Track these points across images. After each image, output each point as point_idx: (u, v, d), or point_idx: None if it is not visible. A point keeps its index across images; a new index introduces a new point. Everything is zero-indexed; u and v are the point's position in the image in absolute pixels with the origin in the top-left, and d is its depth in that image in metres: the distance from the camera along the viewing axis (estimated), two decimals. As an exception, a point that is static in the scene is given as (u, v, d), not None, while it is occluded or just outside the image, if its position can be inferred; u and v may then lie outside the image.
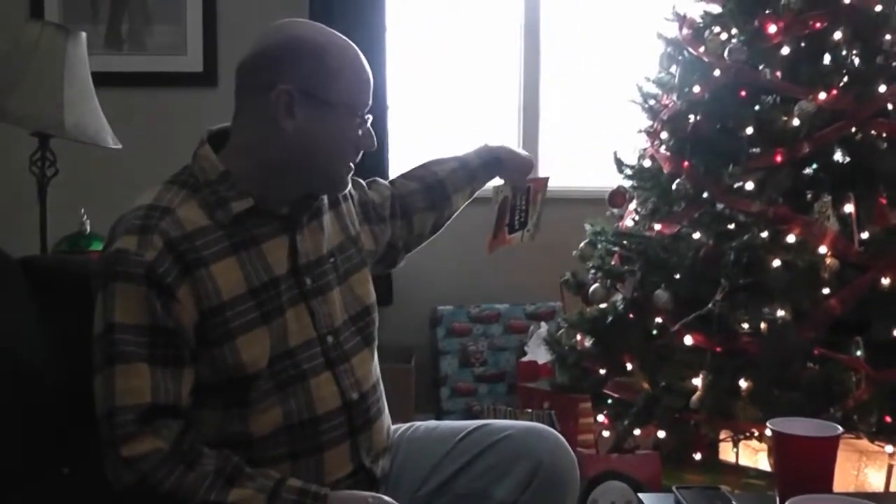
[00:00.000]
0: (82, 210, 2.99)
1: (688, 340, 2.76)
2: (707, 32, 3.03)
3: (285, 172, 1.57)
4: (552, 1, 4.07)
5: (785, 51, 2.89)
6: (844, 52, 2.88)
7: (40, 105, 2.72)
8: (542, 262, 3.28)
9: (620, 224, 3.24)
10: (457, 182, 1.96)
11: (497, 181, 2.05)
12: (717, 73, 2.95)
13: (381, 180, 1.95)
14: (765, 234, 2.74)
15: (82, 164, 3.24)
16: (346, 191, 1.75)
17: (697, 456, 2.87)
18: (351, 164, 1.63)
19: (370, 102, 1.61)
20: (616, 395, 2.98)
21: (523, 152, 2.08)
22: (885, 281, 2.69)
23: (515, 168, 2.03)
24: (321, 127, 1.55)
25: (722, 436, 2.87)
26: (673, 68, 3.15)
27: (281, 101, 1.52)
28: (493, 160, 2.01)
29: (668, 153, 3.04)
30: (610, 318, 3.00)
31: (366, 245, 1.80)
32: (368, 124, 1.61)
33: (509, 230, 2.06)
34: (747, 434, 2.77)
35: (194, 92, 3.77)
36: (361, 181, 1.89)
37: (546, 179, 2.11)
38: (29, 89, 2.71)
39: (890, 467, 2.68)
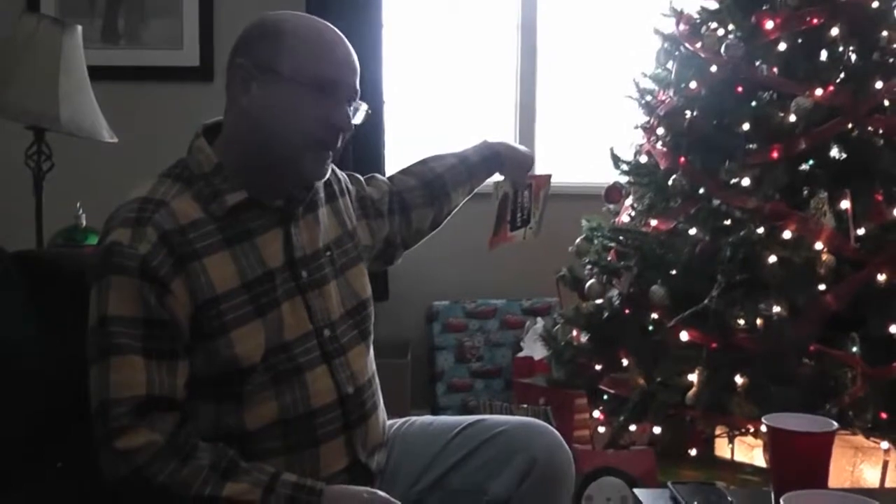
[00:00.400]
0: (78, 204, 2.98)
1: (684, 336, 2.76)
2: (704, 28, 3.03)
3: (257, 157, 1.56)
4: (549, -4, 4.07)
5: (782, 47, 2.88)
6: (841, 49, 2.88)
7: (36, 99, 2.71)
8: (539, 258, 3.28)
9: (617, 220, 3.25)
10: (455, 178, 1.95)
11: (498, 177, 2.04)
12: (713, 68, 2.95)
13: (380, 176, 1.94)
14: (761, 231, 2.74)
15: (78, 158, 3.23)
16: (338, 176, 1.75)
17: (693, 452, 2.87)
18: (325, 149, 1.58)
19: (349, 82, 1.58)
20: (612, 391, 2.98)
21: (524, 149, 2.08)
22: (881, 277, 2.69)
23: (515, 164, 2.02)
24: (275, 101, 1.53)
25: (717, 432, 2.87)
26: (670, 64, 3.15)
27: (238, 77, 1.53)
28: (492, 156, 2.00)
29: (665, 149, 3.04)
30: (606, 314, 3.00)
31: (362, 240, 1.79)
32: (352, 107, 1.59)
33: (511, 227, 2.04)
34: (743, 430, 2.78)
35: (190, 86, 3.77)
36: (359, 176, 1.89)
37: (549, 176, 2.09)
38: (24, 83, 2.70)
39: (885, 463, 2.68)
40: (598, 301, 3.07)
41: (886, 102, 2.86)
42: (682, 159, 2.93)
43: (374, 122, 3.69)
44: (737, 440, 2.86)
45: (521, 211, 2.04)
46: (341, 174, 1.80)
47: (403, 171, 1.97)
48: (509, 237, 2.05)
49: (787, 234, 2.72)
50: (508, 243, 2.07)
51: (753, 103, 2.90)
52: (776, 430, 1.56)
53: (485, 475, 1.67)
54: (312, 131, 1.54)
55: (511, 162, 2.02)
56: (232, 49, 1.59)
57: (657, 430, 2.86)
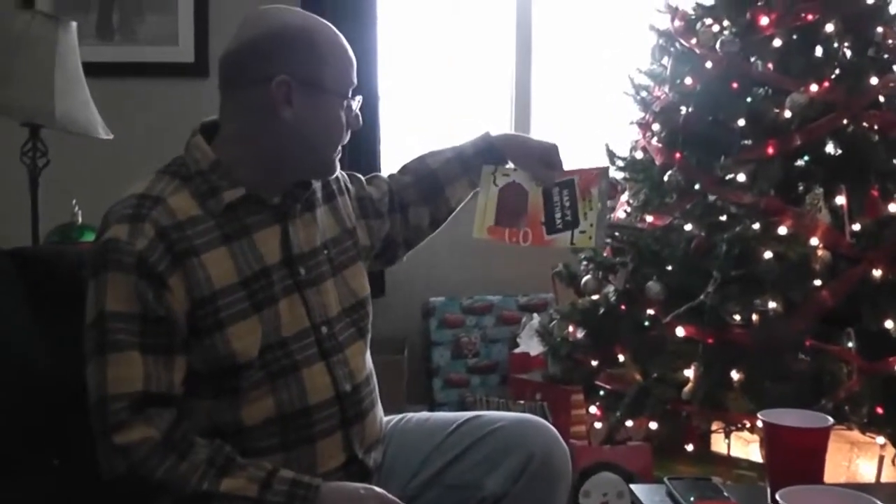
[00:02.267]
0: (74, 201, 2.98)
1: (680, 332, 2.77)
2: (699, 24, 3.03)
3: (280, 160, 1.58)
4: (545, -8, 4.07)
5: (777, 43, 2.89)
6: (836, 45, 2.88)
7: (30, 95, 2.70)
8: (535, 254, 3.26)
9: (612, 216, 3.25)
10: (450, 173, 1.91)
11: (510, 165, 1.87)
12: (708, 64, 2.95)
13: (382, 175, 1.93)
14: (756, 226, 2.75)
15: (74, 155, 3.22)
16: (336, 175, 1.74)
17: (689, 447, 2.87)
18: (340, 147, 1.63)
19: (356, 82, 1.63)
20: (608, 387, 2.99)
21: (537, 139, 1.92)
22: (877, 272, 2.70)
23: (519, 154, 1.86)
24: (318, 113, 1.57)
25: (713, 427, 2.88)
26: (665, 60, 3.15)
27: (280, 92, 1.53)
28: (487, 148, 1.91)
29: (660, 145, 3.04)
30: (602, 310, 3.00)
31: (361, 240, 1.78)
32: (356, 104, 1.63)
33: (548, 230, 1.79)
34: (739, 425, 2.78)
35: (186, 83, 3.76)
36: (360, 176, 1.88)
37: (600, 171, 1.79)
38: (19, 79, 2.69)
39: (881, 458, 2.69)
40: (595, 297, 3.07)
41: (881, 98, 2.86)
42: (678, 155, 2.94)
43: (370, 118, 3.68)
44: (733, 435, 2.87)
45: (560, 210, 1.77)
46: (341, 173, 1.80)
47: (402, 169, 1.95)
48: (546, 241, 1.78)
49: (782, 230, 2.73)
50: (544, 246, 1.81)
51: (749, 99, 2.90)
52: (772, 426, 1.56)
53: (481, 471, 1.67)
54: (341, 136, 1.62)
55: (513, 152, 1.87)
56: (254, 57, 1.55)
57: (653, 425, 2.86)
